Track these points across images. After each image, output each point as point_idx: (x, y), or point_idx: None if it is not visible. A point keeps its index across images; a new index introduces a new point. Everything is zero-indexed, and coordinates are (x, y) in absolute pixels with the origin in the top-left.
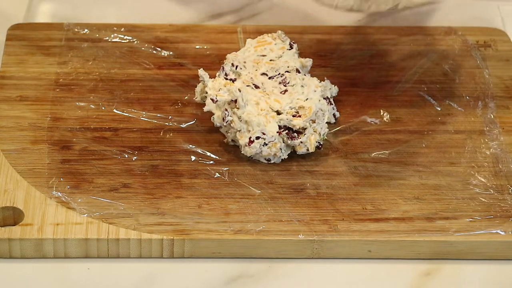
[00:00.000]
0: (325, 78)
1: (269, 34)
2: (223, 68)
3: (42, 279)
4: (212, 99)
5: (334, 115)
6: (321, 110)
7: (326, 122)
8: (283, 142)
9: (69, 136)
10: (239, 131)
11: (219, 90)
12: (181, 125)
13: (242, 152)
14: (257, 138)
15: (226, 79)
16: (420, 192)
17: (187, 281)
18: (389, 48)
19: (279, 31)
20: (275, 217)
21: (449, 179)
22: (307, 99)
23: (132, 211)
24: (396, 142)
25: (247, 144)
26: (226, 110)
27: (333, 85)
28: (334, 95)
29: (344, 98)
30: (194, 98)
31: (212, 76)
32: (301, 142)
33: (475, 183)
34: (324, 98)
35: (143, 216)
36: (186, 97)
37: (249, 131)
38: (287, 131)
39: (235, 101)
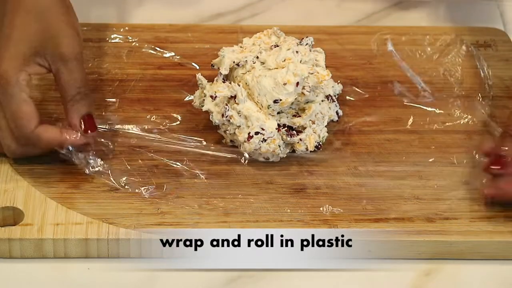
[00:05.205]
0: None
1: (264, 32)
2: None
3: (42, 279)
4: (211, 96)
5: (337, 112)
6: (321, 113)
7: (329, 121)
8: (282, 139)
9: None
10: (239, 127)
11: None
12: (181, 125)
13: (241, 149)
14: (256, 133)
15: (224, 82)
16: (420, 192)
17: (187, 281)
18: (389, 48)
19: (274, 27)
20: (275, 217)
21: (449, 179)
22: (307, 102)
23: (132, 211)
24: (396, 142)
25: (246, 140)
26: (226, 105)
27: (336, 83)
28: (337, 93)
29: (344, 98)
30: (192, 103)
31: (212, 78)
32: (300, 139)
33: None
34: (326, 97)
35: (143, 216)
36: (186, 97)
37: (248, 126)
38: (286, 128)
39: (234, 97)
